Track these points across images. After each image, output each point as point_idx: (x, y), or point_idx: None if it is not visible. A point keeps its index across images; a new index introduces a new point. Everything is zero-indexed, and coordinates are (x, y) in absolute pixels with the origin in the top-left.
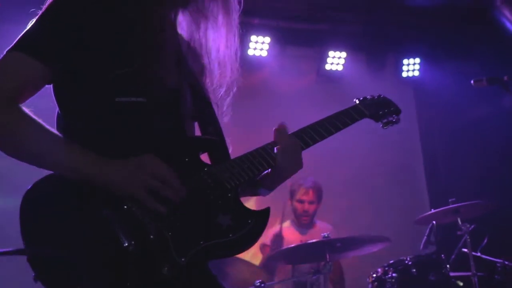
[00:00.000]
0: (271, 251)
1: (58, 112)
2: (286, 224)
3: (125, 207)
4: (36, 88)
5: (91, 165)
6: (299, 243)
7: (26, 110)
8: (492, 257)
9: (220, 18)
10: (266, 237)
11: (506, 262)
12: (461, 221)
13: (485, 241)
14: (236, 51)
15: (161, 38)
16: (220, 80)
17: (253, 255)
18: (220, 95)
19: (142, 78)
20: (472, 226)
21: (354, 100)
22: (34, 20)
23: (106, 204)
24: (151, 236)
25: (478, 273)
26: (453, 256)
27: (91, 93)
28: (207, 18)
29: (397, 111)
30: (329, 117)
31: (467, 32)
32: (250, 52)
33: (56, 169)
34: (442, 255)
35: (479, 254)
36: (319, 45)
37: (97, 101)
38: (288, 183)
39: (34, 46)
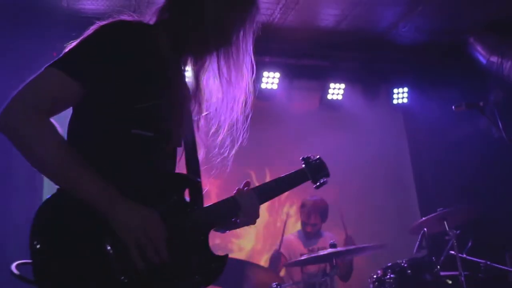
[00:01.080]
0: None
1: (70, 128)
2: (295, 234)
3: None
4: (67, 105)
5: (107, 202)
6: (304, 252)
7: (55, 124)
8: (476, 258)
9: (226, 73)
10: (281, 245)
11: (488, 262)
12: (448, 227)
13: (470, 244)
14: (239, 104)
15: (175, 82)
16: (212, 127)
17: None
18: (212, 139)
19: (155, 115)
20: (458, 231)
21: (302, 160)
22: (74, 43)
23: (107, 234)
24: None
25: (465, 272)
26: (442, 258)
27: (109, 121)
28: (215, 75)
29: (328, 175)
30: (282, 178)
31: (447, 64)
32: (263, 85)
33: (73, 192)
34: (433, 258)
35: (464, 255)
36: (322, 78)
37: (114, 129)
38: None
39: (72, 66)
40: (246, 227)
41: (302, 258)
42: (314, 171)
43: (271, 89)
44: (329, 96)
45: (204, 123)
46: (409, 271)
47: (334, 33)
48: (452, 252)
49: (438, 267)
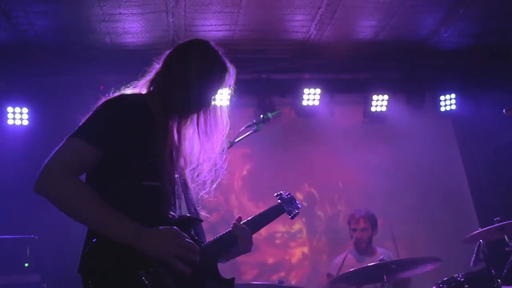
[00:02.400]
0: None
1: (89, 178)
2: (348, 254)
3: (151, 269)
4: (89, 167)
5: (134, 236)
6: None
7: (83, 181)
8: None
9: (204, 127)
10: (331, 267)
11: None
12: (508, 238)
13: None
14: (215, 152)
15: (169, 141)
16: (199, 173)
17: (318, 285)
18: (199, 182)
19: (159, 169)
20: None
21: (276, 195)
22: (88, 116)
23: (140, 266)
24: None
25: None
26: (504, 271)
27: (123, 176)
28: (195, 130)
29: (298, 207)
30: (265, 212)
31: (494, 67)
32: (304, 102)
33: (106, 235)
34: (493, 271)
35: None
36: (364, 91)
37: (127, 182)
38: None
39: (90, 135)
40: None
41: (350, 271)
42: (288, 205)
43: (313, 105)
44: (373, 109)
45: (189, 172)
46: (466, 286)
47: (373, 44)
48: None
49: (499, 281)
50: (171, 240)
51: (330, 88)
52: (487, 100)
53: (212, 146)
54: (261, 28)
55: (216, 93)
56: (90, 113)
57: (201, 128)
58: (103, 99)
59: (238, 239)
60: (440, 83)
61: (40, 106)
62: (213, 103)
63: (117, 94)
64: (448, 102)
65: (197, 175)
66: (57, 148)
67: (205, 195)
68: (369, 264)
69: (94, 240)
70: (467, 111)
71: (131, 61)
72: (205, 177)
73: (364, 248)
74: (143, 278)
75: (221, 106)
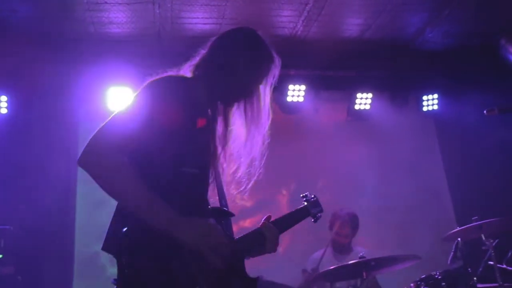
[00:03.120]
0: (309, 275)
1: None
2: (324, 249)
3: (183, 260)
4: (135, 146)
5: (173, 223)
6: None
7: (128, 161)
8: None
9: (246, 123)
10: (307, 263)
11: None
12: (484, 236)
13: (510, 254)
14: (257, 146)
15: (213, 129)
16: (233, 167)
17: (292, 279)
18: (232, 176)
19: (199, 156)
20: (496, 241)
21: (302, 197)
22: (138, 93)
23: (173, 255)
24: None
25: (505, 284)
26: (480, 269)
27: (164, 159)
28: (240, 116)
29: (322, 210)
30: (292, 213)
31: (478, 68)
32: (289, 98)
33: (144, 218)
34: (469, 269)
35: (504, 266)
36: (348, 89)
37: (167, 166)
38: (329, 215)
39: (135, 115)
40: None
41: (330, 268)
42: (313, 208)
43: (297, 101)
44: (357, 106)
45: (226, 164)
46: (444, 284)
47: (359, 42)
48: (491, 262)
49: (475, 278)
50: (208, 232)
51: (315, 85)
52: (468, 101)
53: (252, 140)
54: (248, 22)
55: (261, 83)
56: (139, 91)
57: (240, 120)
58: (151, 79)
59: (266, 239)
60: (423, 83)
61: (20, 94)
62: (257, 93)
63: (164, 74)
64: (430, 102)
65: (235, 170)
66: (104, 124)
67: (241, 192)
68: (350, 262)
69: (130, 223)
70: (449, 111)
71: (116, 51)
72: (243, 173)
73: (344, 248)
74: (175, 267)
75: (265, 97)
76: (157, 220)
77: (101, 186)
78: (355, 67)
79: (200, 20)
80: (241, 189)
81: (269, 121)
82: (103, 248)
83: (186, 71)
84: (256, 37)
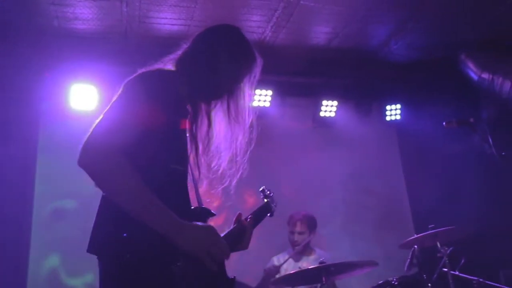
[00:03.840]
0: (265, 277)
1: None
2: (284, 254)
3: (178, 263)
4: (129, 142)
5: (171, 227)
6: (294, 269)
7: (127, 160)
8: (469, 275)
9: (234, 113)
10: (268, 264)
11: (481, 279)
12: (440, 244)
13: (463, 261)
14: (237, 141)
15: (197, 125)
16: (213, 163)
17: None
18: (213, 172)
19: (184, 154)
20: (450, 249)
21: (260, 191)
22: (127, 87)
23: (168, 259)
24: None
25: None
26: (435, 276)
27: (156, 155)
28: (223, 112)
29: (275, 205)
30: (259, 210)
31: (439, 81)
32: (255, 103)
33: (142, 220)
34: (424, 275)
35: (457, 273)
36: (314, 96)
37: (159, 162)
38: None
39: (128, 110)
40: None
41: (289, 272)
42: (272, 203)
43: (264, 107)
44: (322, 113)
45: (205, 159)
46: None
47: (326, 50)
48: (445, 269)
49: (430, 284)
50: (207, 237)
51: (282, 91)
52: (429, 112)
53: (233, 137)
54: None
55: (242, 81)
56: (128, 85)
57: (232, 115)
58: (140, 72)
59: (243, 236)
60: (387, 93)
61: None
62: (239, 90)
63: (153, 68)
64: (393, 112)
65: (215, 165)
66: (97, 122)
67: (226, 189)
68: (309, 267)
69: (125, 226)
70: (411, 121)
71: (81, 48)
72: (224, 169)
73: (301, 250)
74: (169, 271)
75: (246, 95)
76: (157, 222)
77: (101, 187)
78: (322, 74)
79: (168, 20)
80: (225, 185)
81: (251, 119)
82: (89, 250)
83: (169, 65)
84: (240, 36)
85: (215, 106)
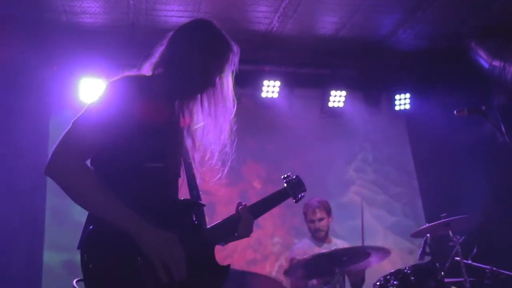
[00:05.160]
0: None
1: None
2: (307, 240)
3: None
4: (95, 150)
5: (136, 227)
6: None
7: (90, 168)
8: (481, 264)
9: (211, 109)
10: (293, 252)
11: (494, 268)
12: (452, 233)
13: (475, 250)
14: (225, 133)
15: (173, 122)
16: (206, 156)
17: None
18: (206, 165)
19: (162, 150)
20: (463, 237)
21: (283, 178)
22: (92, 100)
23: (137, 252)
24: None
25: (470, 279)
26: (447, 264)
27: (127, 158)
28: (201, 112)
29: (305, 190)
30: (269, 197)
31: (448, 70)
32: (263, 94)
33: (108, 220)
34: (437, 264)
35: (470, 261)
36: (322, 86)
37: (130, 164)
38: (301, 206)
39: (94, 120)
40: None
41: (306, 257)
42: (294, 188)
43: (272, 97)
44: (330, 104)
45: (197, 155)
46: (412, 278)
47: (334, 40)
48: (457, 258)
49: (442, 273)
50: (166, 248)
51: (290, 82)
52: (439, 101)
53: (220, 128)
54: (223, 17)
55: (221, 72)
56: (97, 95)
57: (205, 110)
58: (109, 81)
59: (239, 224)
60: (396, 82)
61: None
62: (218, 82)
63: (122, 76)
64: (402, 101)
65: (208, 159)
66: (65, 132)
67: (219, 179)
68: (322, 251)
69: (94, 223)
70: (420, 111)
71: (89, 42)
72: (216, 161)
73: (323, 236)
74: (139, 263)
75: (227, 85)
76: (119, 225)
77: (66, 193)
78: (330, 64)
79: (175, 13)
80: (218, 176)
81: (235, 108)
82: (78, 247)
83: (147, 70)
84: (211, 27)
85: (199, 100)
